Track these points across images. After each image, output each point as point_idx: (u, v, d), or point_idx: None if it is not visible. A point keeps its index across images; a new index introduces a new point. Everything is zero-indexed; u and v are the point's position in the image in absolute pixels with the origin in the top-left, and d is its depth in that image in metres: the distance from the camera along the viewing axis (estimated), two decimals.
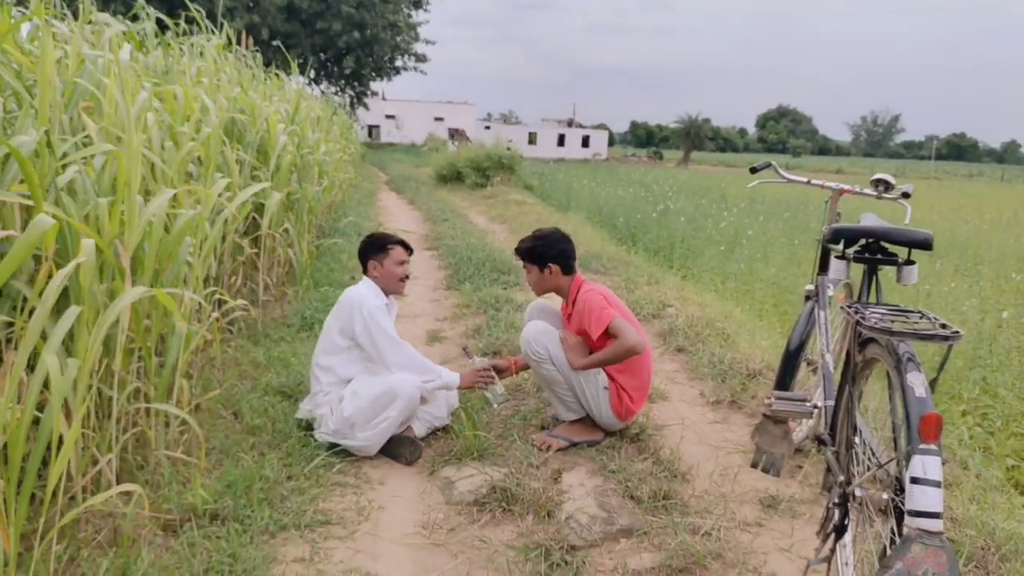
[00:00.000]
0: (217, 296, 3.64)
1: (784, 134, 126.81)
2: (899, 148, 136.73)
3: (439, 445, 3.26)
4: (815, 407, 2.42)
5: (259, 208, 5.22)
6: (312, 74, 41.78)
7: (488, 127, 54.11)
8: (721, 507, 2.70)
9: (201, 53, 5.71)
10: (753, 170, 2.86)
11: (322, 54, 39.80)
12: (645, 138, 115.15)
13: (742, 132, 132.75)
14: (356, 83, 43.82)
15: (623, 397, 3.14)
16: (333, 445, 3.11)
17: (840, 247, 2.23)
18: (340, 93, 42.24)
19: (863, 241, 2.18)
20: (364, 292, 3.25)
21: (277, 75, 7.95)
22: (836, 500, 1.91)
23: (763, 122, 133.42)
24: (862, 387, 2.08)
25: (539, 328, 3.20)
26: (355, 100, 43.66)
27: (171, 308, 2.49)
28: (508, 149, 18.05)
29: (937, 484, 1.53)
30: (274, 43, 7.34)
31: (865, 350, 1.94)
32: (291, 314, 5.10)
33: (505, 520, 2.63)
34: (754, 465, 2.91)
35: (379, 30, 38.74)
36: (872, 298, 2.14)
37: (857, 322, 1.79)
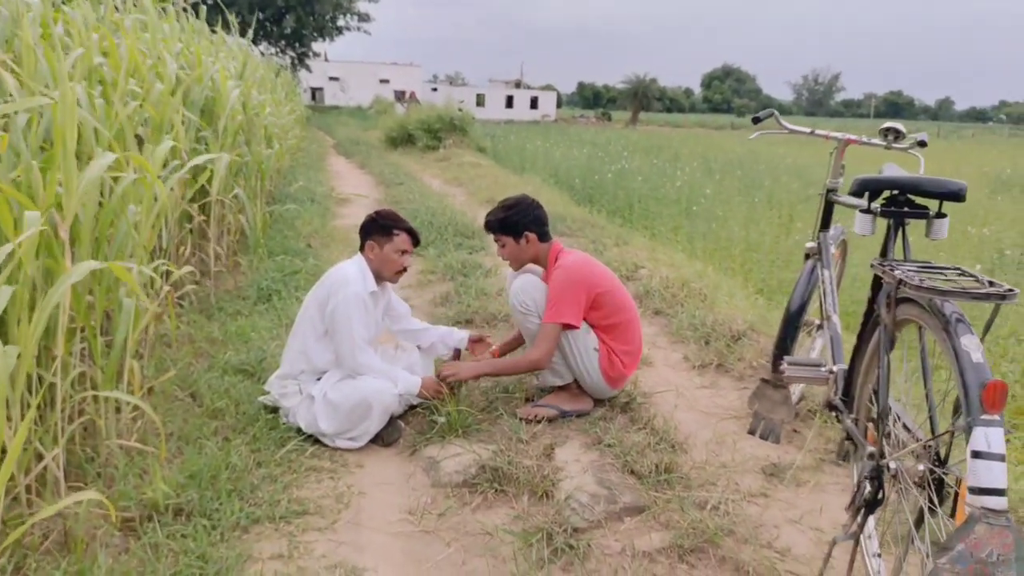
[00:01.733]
0: (165, 268, 3.33)
1: (729, 94, 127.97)
2: (839, 107, 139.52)
3: (418, 422, 3.05)
4: (831, 372, 2.28)
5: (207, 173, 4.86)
6: (251, 34, 39.99)
7: (435, 89, 53.12)
8: (724, 478, 2.57)
9: (135, 4, 5.24)
10: (756, 120, 2.68)
11: (260, 13, 38.19)
12: (592, 99, 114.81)
13: (688, 92, 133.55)
14: (297, 43, 42.26)
15: (614, 360, 2.97)
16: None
17: (864, 200, 2.07)
18: (281, 54, 40.71)
19: (888, 193, 2.02)
20: (351, 273, 2.93)
21: (215, 31, 7.45)
22: (868, 473, 1.77)
23: (708, 82, 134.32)
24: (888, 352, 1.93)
25: (527, 280, 3.02)
26: (296, 61, 42.17)
27: (129, 282, 2.21)
28: (460, 110, 17.61)
29: (1002, 458, 1.39)
30: (210, 1, 6.90)
31: (896, 311, 1.79)
32: (246, 285, 4.79)
33: (498, 502, 2.45)
34: (752, 432, 2.80)
35: None
36: (899, 254, 1.99)
37: (900, 281, 1.63)
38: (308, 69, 44.17)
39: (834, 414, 2.31)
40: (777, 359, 2.73)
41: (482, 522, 2.34)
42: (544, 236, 3.07)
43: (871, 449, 1.83)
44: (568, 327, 2.88)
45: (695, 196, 10.81)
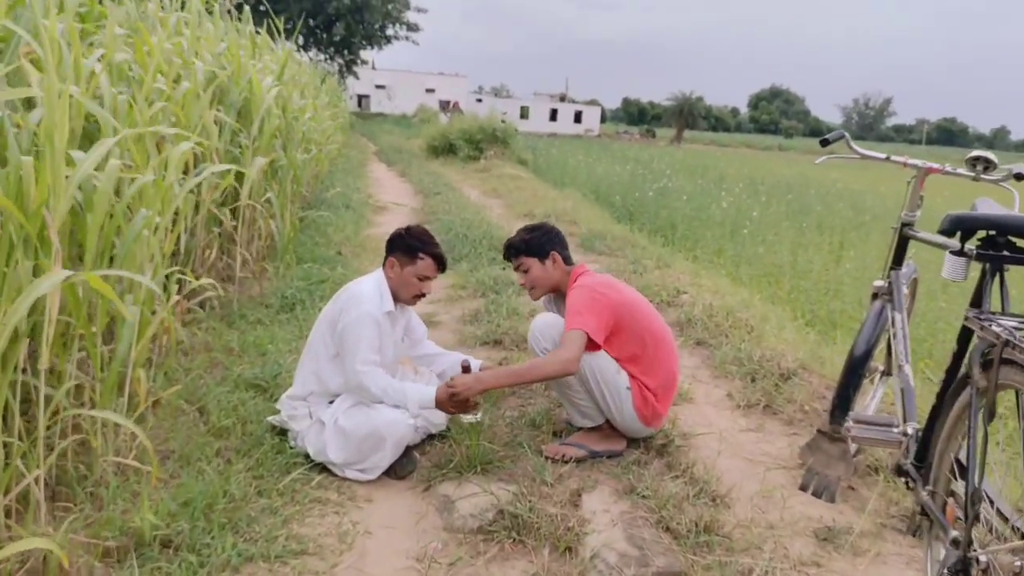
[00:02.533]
0: (179, 276, 3.16)
1: (776, 115, 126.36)
2: (890, 131, 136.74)
3: (435, 454, 2.82)
4: (904, 435, 2.00)
5: (239, 176, 4.72)
6: (301, 40, 40.74)
7: (480, 100, 53.28)
8: (771, 541, 2.29)
9: (183, 5, 5.14)
10: (824, 142, 2.41)
11: (311, 20, 38.71)
12: (637, 115, 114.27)
13: (734, 112, 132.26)
14: (346, 51, 42.76)
15: (647, 397, 2.71)
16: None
17: (956, 240, 1.79)
18: (329, 61, 41.22)
19: (984, 233, 1.74)
20: (365, 291, 2.71)
21: (259, 32, 7.38)
22: (952, 566, 1.49)
23: (755, 102, 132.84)
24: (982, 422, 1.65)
25: (548, 321, 2.76)
26: (344, 68, 42.64)
27: (107, 294, 2.02)
28: (503, 122, 17.48)
29: None
30: (261, 7, 6.89)
31: (994, 373, 1.51)
32: (270, 293, 4.63)
33: (516, 554, 2.20)
34: (803, 488, 2.52)
35: None
36: (996, 305, 1.70)
37: (1005, 341, 1.36)
38: (356, 76, 44.67)
39: (904, 480, 2.02)
40: (837, 410, 2.44)
41: (497, 574, 2.10)
42: (568, 260, 2.86)
43: (956, 535, 1.55)
44: (590, 343, 2.59)
45: (741, 219, 10.45)
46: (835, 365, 3.65)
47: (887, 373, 2.69)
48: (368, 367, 2.63)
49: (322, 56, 41.18)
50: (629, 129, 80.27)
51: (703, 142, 61.67)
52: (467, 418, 2.70)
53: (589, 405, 2.74)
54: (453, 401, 2.61)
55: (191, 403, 3.04)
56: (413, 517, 2.42)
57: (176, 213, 3.39)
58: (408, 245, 2.75)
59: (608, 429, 2.80)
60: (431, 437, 2.94)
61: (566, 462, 2.69)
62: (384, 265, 2.80)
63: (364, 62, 47.20)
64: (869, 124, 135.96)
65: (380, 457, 2.60)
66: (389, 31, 43.90)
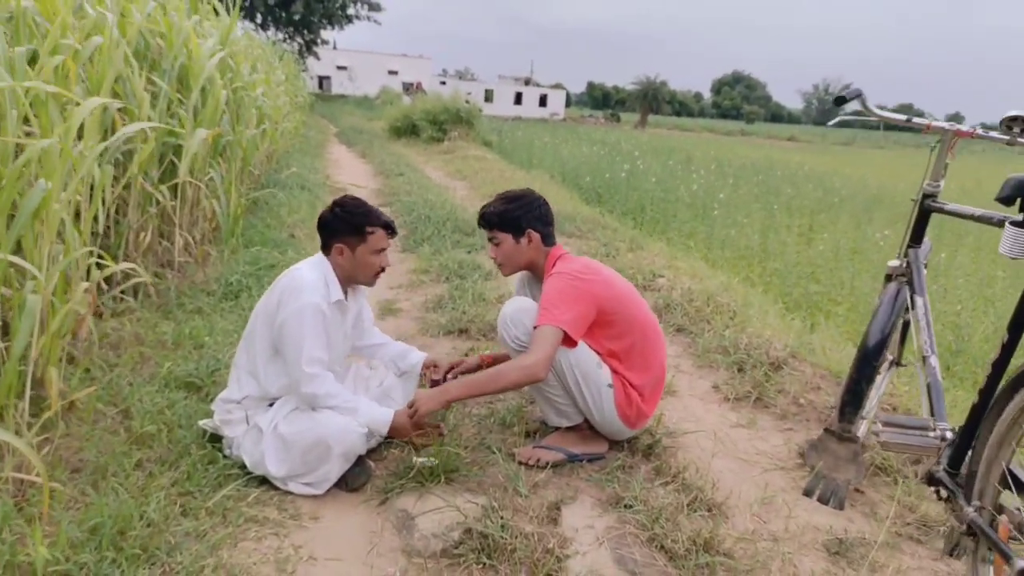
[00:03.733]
0: (93, 260, 2.76)
1: (738, 100, 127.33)
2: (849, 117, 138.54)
3: (392, 460, 2.49)
4: (942, 439, 1.71)
5: (179, 151, 4.29)
6: (259, 19, 39.50)
7: (444, 83, 52.49)
8: (778, 559, 2.00)
9: None
10: (839, 100, 2.10)
11: (270, 0, 37.59)
12: (602, 99, 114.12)
13: (697, 96, 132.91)
14: (306, 30, 41.61)
15: (632, 396, 2.40)
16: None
17: (1016, 210, 1.50)
18: (289, 41, 40.07)
19: None
20: (307, 280, 2.30)
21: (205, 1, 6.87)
22: None
23: (718, 87, 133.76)
24: None
25: (521, 306, 2.41)
26: (305, 48, 41.51)
27: None
28: (467, 102, 17.03)
29: None
30: None
31: None
32: (213, 279, 4.21)
33: None
34: (808, 493, 2.23)
35: None
36: None
37: None
38: (316, 57, 43.56)
39: (935, 490, 1.75)
40: (847, 407, 2.16)
41: None
42: (548, 239, 2.50)
43: (1020, 565, 1.26)
44: (566, 339, 2.26)
45: (710, 201, 10.23)
46: (826, 354, 3.39)
47: (896, 363, 2.42)
48: (315, 368, 2.27)
49: (281, 35, 40.06)
50: (594, 113, 80.00)
51: (667, 127, 61.57)
52: (421, 460, 2.34)
53: (566, 403, 2.41)
54: (415, 423, 2.28)
55: (113, 405, 2.66)
56: (366, 537, 2.08)
57: (93, 188, 2.98)
58: (351, 224, 2.36)
59: (587, 429, 2.49)
60: (387, 442, 2.60)
61: (542, 467, 2.38)
62: (328, 252, 2.40)
63: (325, 42, 46.10)
64: (829, 110, 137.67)
65: (327, 470, 2.25)
66: (350, 10, 42.88)
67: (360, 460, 2.34)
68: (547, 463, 2.39)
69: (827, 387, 3.08)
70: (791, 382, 3.12)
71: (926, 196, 2.15)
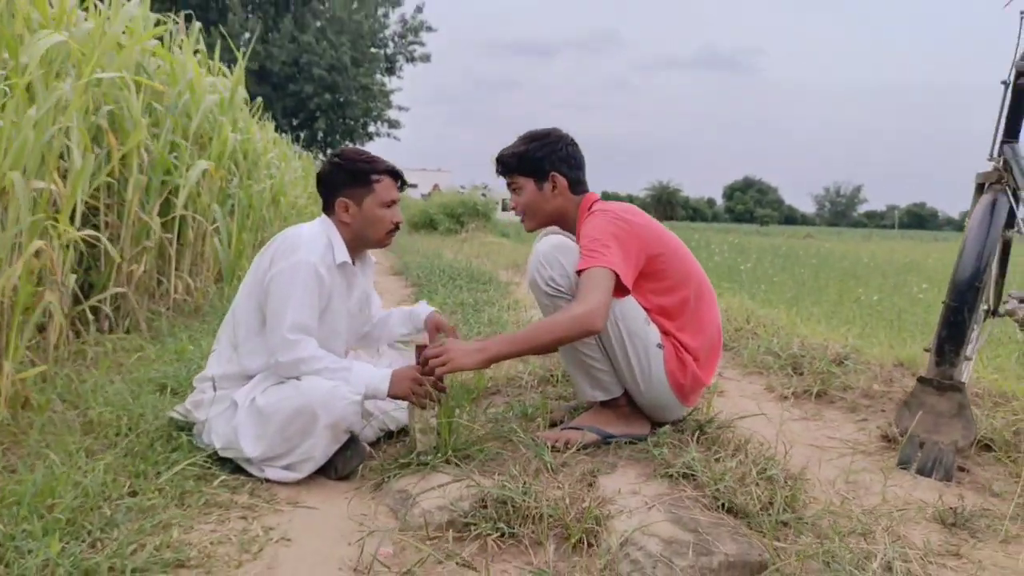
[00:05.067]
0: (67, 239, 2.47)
1: (751, 204, 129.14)
2: (862, 218, 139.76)
3: (392, 451, 2.09)
4: None
5: (177, 191, 4.10)
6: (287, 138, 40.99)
7: (463, 187, 53.84)
8: (879, 526, 1.55)
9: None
10: None
11: (294, 119, 39.26)
12: None
13: (710, 202, 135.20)
14: (328, 149, 43.18)
15: (685, 360, 1.99)
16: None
17: None
18: (313, 159, 41.53)
19: None
20: (305, 238, 1.99)
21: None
22: None
23: (730, 193, 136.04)
24: None
25: (556, 242, 2.04)
26: None
27: None
28: (483, 195, 17.19)
29: None
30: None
31: None
32: (209, 311, 3.91)
33: (506, 553, 1.45)
34: (904, 463, 1.79)
35: (351, 93, 38.53)
36: None
37: None
38: None
39: None
40: (946, 345, 1.76)
41: None
42: (577, 185, 2.14)
43: None
44: (618, 286, 1.87)
45: (734, 270, 9.91)
46: (893, 348, 2.97)
47: (993, 312, 2.02)
48: (299, 335, 1.92)
49: (305, 153, 41.55)
50: None
51: (681, 228, 62.18)
52: (430, 421, 1.91)
53: (604, 368, 2.00)
54: (412, 383, 1.90)
55: (74, 406, 2.30)
56: (355, 519, 1.67)
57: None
58: (354, 172, 2.05)
59: (627, 406, 2.07)
60: (388, 435, 2.20)
61: (569, 449, 1.95)
62: (331, 211, 2.08)
63: None
64: (841, 212, 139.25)
65: (311, 445, 1.86)
66: (371, 128, 44.62)
67: (352, 441, 1.94)
68: (577, 445, 1.97)
69: (902, 378, 2.65)
70: (857, 377, 2.69)
71: (1020, 74, 1.81)
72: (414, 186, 57.53)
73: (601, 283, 1.82)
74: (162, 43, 4.37)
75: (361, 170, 2.05)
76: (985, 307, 2.01)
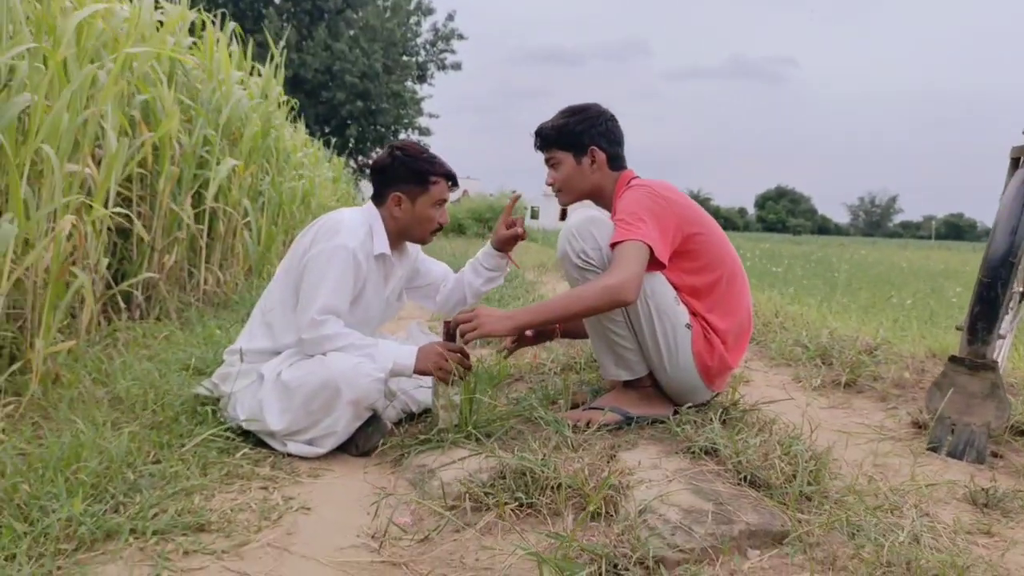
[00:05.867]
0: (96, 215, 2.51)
1: (783, 214, 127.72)
2: (897, 228, 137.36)
3: (414, 430, 2.09)
4: None
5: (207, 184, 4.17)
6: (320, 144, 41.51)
7: (491, 194, 54.05)
8: (910, 502, 1.51)
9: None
10: None
11: (326, 126, 39.76)
12: None
13: (742, 212, 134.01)
14: (360, 156, 43.62)
15: (713, 342, 1.97)
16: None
17: None
18: (345, 166, 42.01)
19: None
20: (348, 224, 2.01)
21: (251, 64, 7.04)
22: None
23: (762, 202, 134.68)
24: None
25: (588, 215, 2.02)
26: (359, 173, 43.42)
27: None
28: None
29: None
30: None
31: None
32: (239, 302, 3.96)
33: (524, 522, 1.44)
34: (934, 447, 1.75)
35: (382, 100, 38.89)
36: None
37: None
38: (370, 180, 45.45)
39: None
40: (979, 322, 1.71)
41: (493, 549, 1.33)
42: (616, 160, 2.12)
43: None
44: (651, 262, 1.85)
45: (765, 275, 9.80)
46: (925, 339, 2.91)
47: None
48: (326, 316, 1.93)
49: (336, 157, 42.04)
50: None
51: None
52: (454, 398, 1.91)
53: (630, 346, 1.98)
54: (440, 358, 1.90)
55: (103, 384, 2.34)
56: (375, 492, 1.67)
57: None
58: (414, 170, 2.06)
59: (651, 387, 2.05)
60: (410, 417, 2.21)
61: (590, 428, 1.93)
62: (381, 202, 2.09)
63: None
64: (876, 222, 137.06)
65: (333, 420, 1.87)
66: (402, 135, 44.99)
67: (374, 418, 1.95)
68: (598, 425, 1.95)
69: (935, 368, 2.59)
70: (888, 367, 2.64)
71: None
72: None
73: (635, 256, 1.81)
74: (198, 41, 4.47)
75: (422, 170, 2.07)
76: (1021, 289, 1.95)
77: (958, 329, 1.87)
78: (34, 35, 2.44)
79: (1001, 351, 1.76)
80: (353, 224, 2.03)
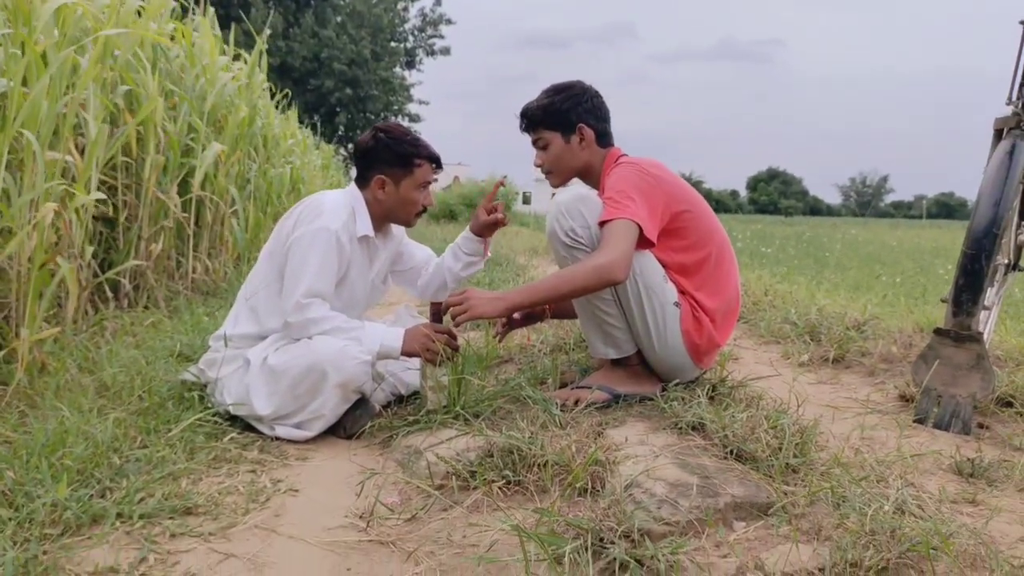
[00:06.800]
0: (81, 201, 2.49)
1: (775, 196, 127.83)
2: (888, 208, 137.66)
3: (403, 412, 2.08)
4: None
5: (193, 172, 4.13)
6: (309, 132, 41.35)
7: (483, 181, 53.96)
8: (895, 473, 1.52)
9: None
10: None
11: (315, 114, 39.52)
12: None
13: (734, 194, 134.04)
14: (349, 143, 43.43)
15: (702, 320, 1.97)
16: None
17: None
18: (335, 155, 41.81)
19: None
20: (330, 205, 1.99)
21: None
22: None
23: (754, 184, 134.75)
24: None
25: (577, 193, 2.01)
26: (349, 159, 43.25)
27: None
28: (503, 186, 17.14)
29: None
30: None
31: None
32: (226, 289, 3.94)
33: (511, 500, 1.45)
34: (920, 419, 1.75)
35: (371, 87, 38.65)
36: None
37: None
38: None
39: None
40: (964, 294, 1.72)
41: (480, 526, 1.33)
42: (604, 137, 2.11)
43: None
44: (640, 240, 1.84)
45: (756, 255, 9.82)
46: (913, 312, 2.92)
47: (1014, 267, 1.97)
48: (311, 299, 1.92)
49: (325, 145, 41.85)
50: None
51: None
52: (441, 379, 1.91)
53: (618, 324, 1.97)
54: (428, 339, 1.89)
55: (90, 373, 2.32)
56: (363, 473, 1.66)
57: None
58: (398, 153, 2.03)
59: (638, 365, 2.05)
60: (399, 400, 2.20)
61: (578, 406, 1.93)
62: (366, 186, 2.07)
63: None
64: (867, 202, 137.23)
65: (320, 404, 1.86)
66: (392, 121, 44.82)
67: (361, 401, 1.94)
68: (587, 404, 1.95)
69: (922, 343, 2.60)
70: (876, 342, 2.65)
71: None
72: (435, 179, 57.69)
73: (625, 234, 1.81)
74: (180, 26, 4.41)
75: (406, 153, 2.04)
76: (1006, 261, 1.96)
77: (943, 301, 1.87)
78: (11, 22, 2.41)
79: (987, 323, 1.77)
80: (335, 206, 2.01)
